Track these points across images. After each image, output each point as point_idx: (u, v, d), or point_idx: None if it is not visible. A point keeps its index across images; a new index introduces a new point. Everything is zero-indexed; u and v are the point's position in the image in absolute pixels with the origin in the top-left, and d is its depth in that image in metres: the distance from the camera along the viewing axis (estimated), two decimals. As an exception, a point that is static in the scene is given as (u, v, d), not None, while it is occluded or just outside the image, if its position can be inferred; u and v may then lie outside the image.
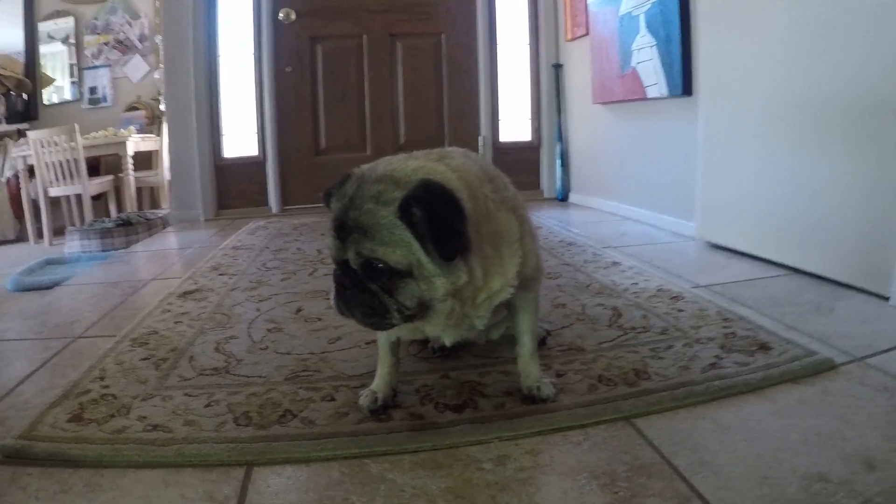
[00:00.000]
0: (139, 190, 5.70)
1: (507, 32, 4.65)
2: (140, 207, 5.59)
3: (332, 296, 1.08)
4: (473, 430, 1.13)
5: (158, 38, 6.15)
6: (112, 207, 5.57)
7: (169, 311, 1.95)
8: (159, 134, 5.85)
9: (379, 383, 1.25)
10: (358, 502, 0.96)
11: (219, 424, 1.18)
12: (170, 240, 3.59)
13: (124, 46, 6.41)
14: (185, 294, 2.14)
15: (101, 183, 5.41)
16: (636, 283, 2.10)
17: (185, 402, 1.29)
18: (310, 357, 1.51)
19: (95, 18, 6.38)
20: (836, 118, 2.08)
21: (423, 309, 1.05)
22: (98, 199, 5.51)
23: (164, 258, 3.01)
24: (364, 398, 1.23)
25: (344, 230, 1.02)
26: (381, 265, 1.00)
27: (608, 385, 1.30)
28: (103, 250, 3.92)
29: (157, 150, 5.81)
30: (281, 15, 4.23)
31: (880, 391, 1.28)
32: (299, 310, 1.91)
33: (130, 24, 6.41)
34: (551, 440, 1.12)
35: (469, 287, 1.06)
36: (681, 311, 1.80)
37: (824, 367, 1.37)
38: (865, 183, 1.97)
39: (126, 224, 4.08)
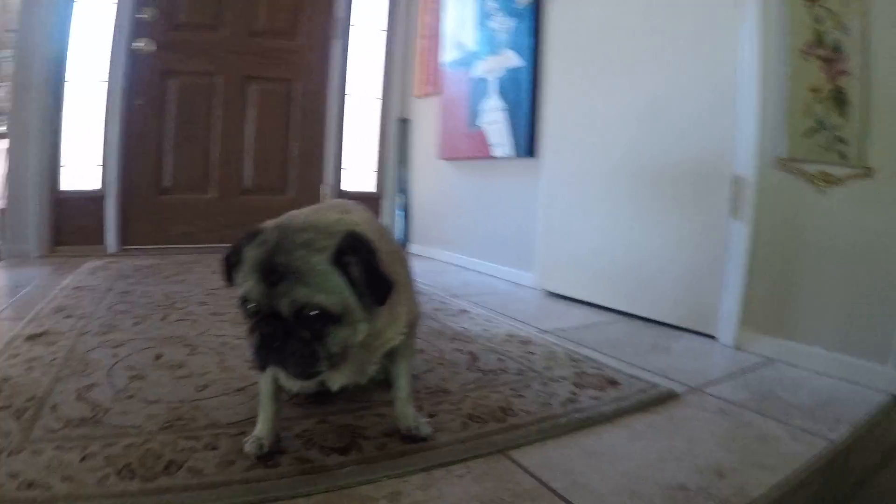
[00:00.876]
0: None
1: (358, 85, 4.79)
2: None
3: (251, 346, 1.06)
4: (362, 471, 1.19)
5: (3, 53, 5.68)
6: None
7: (17, 355, 1.82)
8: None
9: (263, 429, 1.26)
10: (259, 547, 0.97)
11: (100, 479, 1.12)
12: (2, 276, 3.31)
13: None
14: (33, 337, 2.00)
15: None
16: (487, 329, 2.25)
17: (57, 455, 1.21)
18: (180, 405, 1.47)
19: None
20: (666, 183, 2.40)
21: (342, 355, 1.10)
22: None
23: (0, 297, 2.79)
24: (249, 445, 1.23)
25: (273, 275, 1.03)
26: (314, 312, 1.03)
27: (479, 422, 1.42)
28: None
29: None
30: (141, 44, 4.07)
31: (718, 414, 1.56)
32: (159, 356, 1.85)
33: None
34: (436, 475, 1.20)
35: (374, 333, 1.14)
36: (532, 353, 1.97)
37: (668, 397, 1.64)
38: (692, 238, 2.30)
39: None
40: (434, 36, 4.35)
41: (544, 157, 3.11)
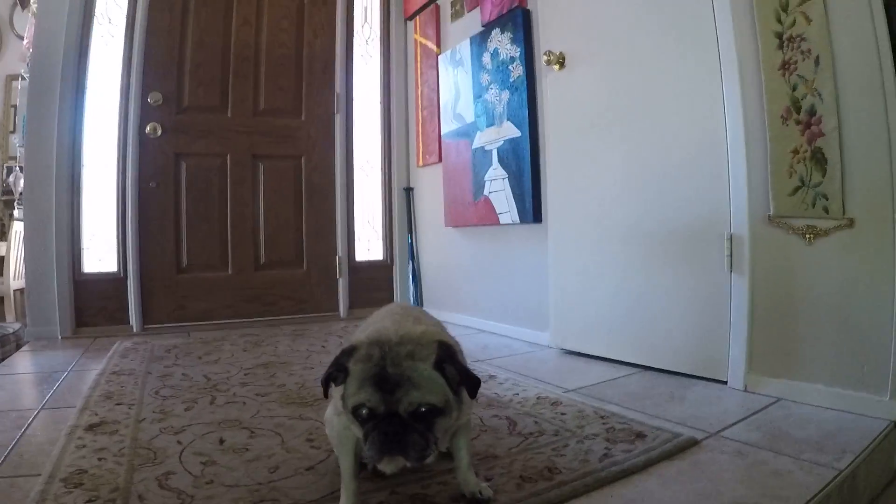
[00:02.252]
0: (-24, 298, 5.27)
1: (362, 157, 5.02)
2: (-22, 317, 5.17)
3: (370, 444, 1.24)
4: None
5: (14, 135, 5.86)
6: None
7: (84, 446, 1.93)
8: (3, 238, 5.47)
9: None
10: None
11: None
12: (34, 361, 3.42)
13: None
14: (92, 427, 2.12)
15: (-65, 287, 4.97)
16: (517, 394, 2.41)
17: None
18: (259, 488, 1.60)
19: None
20: (668, 243, 2.62)
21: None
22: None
23: (40, 383, 2.89)
24: None
25: (387, 383, 1.24)
26: (425, 409, 1.24)
27: (530, 482, 1.58)
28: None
29: (2, 257, 5.42)
30: (148, 129, 4.30)
31: (735, 455, 1.74)
32: (222, 441, 1.98)
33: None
34: (501, 533, 1.36)
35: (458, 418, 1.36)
36: (563, 414, 2.13)
37: (689, 445, 1.82)
38: (697, 292, 2.50)
39: (-26, 336, 3.82)
40: (432, 107, 4.59)
41: (550, 222, 3.30)
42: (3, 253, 5.38)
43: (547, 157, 3.34)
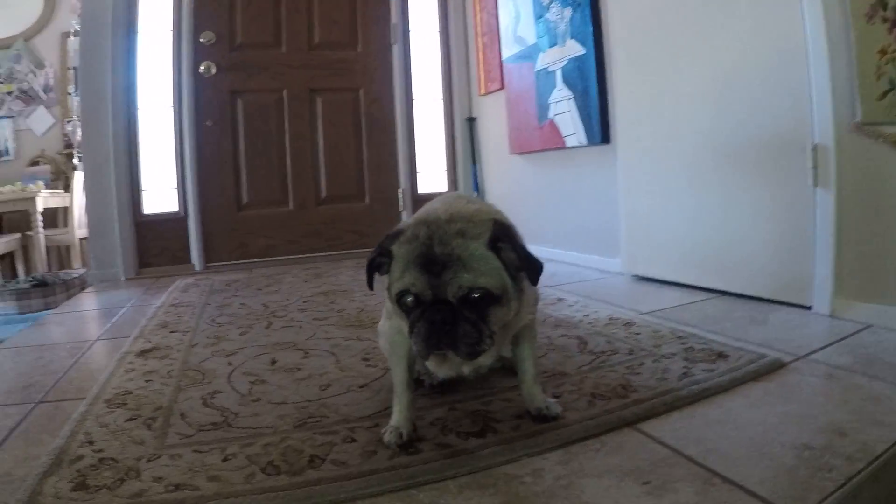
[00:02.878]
0: (48, 249, 5.40)
1: (422, 87, 4.83)
2: (49, 267, 5.32)
3: (416, 337, 1.10)
4: (502, 451, 1.20)
5: (71, 88, 5.93)
6: (20, 268, 5.27)
7: (133, 370, 1.89)
8: (67, 190, 5.60)
9: (399, 419, 1.29)
10: (424, 530, 0.99)
11: (247, 476, 1.15)
12: (96, 300, 3.45)
13: (28, 97, 6.11)
14: (144, 352, 2.08)
15: (7, 242, 5.11)
16: (587, 315, 2.25)
17: (198, 458, 1.24)
18: (308, 405, 1.51)
19: (-2, 66, 6.08)
20: (745, 157, 2.35)
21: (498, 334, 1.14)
22: (2, 259, 5.21)
23: (99, 318, 2.90)
24: (389, 435, 1.26)
25: (435, 265, 1.08)
26: (478, 294, 1.08)
27: (603, 400, 1.42)
28: (20, 312, 3.73)
29: (66, 207, 5.54)
30: (202, 68, 4.22)
31: (826, 378, 1.55)
32: (274, 361, 1.91)
33: (35, 74, 6.12)
34: (573, 451, 1.21)
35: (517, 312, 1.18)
36: (637, 334, 1.95)
37: (776, 366, 1.62)
38: (778, 210, 2.25)
39: (42, 285, 3.90)
40: (491, 33, 4.36)
41: (619, 143, 3.08)
42: (68, 204, 5.48)
43: (614, 73, 3.09)
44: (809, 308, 2.17)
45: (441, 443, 1.26)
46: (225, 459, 1.24)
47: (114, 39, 4.01)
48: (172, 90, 4.25)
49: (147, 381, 1.77)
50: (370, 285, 1.23)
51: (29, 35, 6.15)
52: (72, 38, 6.06)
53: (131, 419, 1.48)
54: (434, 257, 1.08)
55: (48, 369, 2.04)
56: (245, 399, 1.58)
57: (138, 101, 4.19)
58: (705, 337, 1.89)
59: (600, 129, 3.21)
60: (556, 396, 1.44)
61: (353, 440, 1.29)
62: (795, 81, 2.13)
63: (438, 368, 1.27)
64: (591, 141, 3.28)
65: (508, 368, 1.59)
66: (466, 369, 1.28)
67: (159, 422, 1.46)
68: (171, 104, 4.26)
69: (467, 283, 1.07)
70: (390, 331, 1.33)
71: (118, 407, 1.57)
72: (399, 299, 1.13)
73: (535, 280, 1.15)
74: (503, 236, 1.12)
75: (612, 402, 1.41)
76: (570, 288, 2.84)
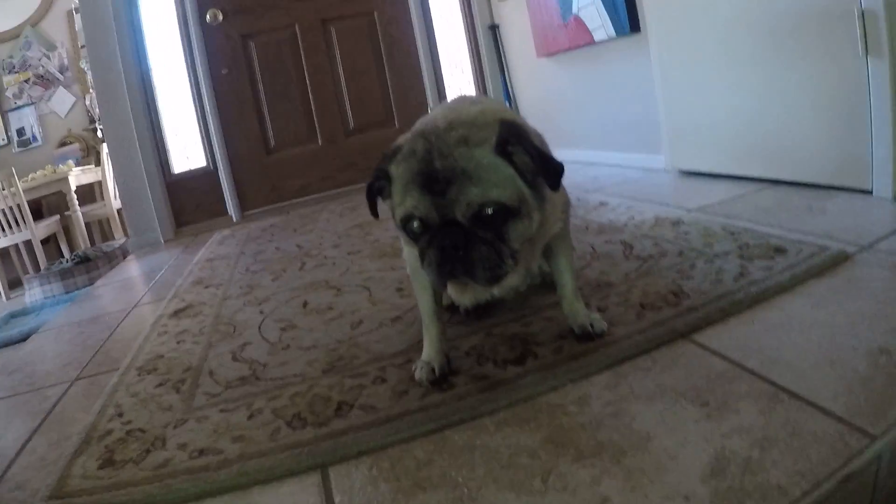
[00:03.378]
0: (88, 225, 5.46)
1: (439, 1, 4.58)
2: (92, 243, 5.38)
3: (428, 266, 0.99)
4: (544, 378, 1.09)
5: (83, 64, 5.88)
6: (64, 248, 5.35)
7: (166, 332, 1.85)
8: (98, 164, 5.61)
9: (430, 353, 1.19)
10: (459, 475, 0.90)
11: (272, 433, 1.09)
12: (135, 267, 3.45)
13: (46, 81, 6.12)
14: (177, 312, 2.04)
15: (48, 225, 5.18)
16: (632, 218, 2.10)
17: (223, 418, 1.19)
18: (338, 346, 1.43)
19: (10, 57, 6.06)
20: (787, 31, 2.12)
21: (521, 251, 1.01)
22: (47, 242, 5.28)
23: (137, 285, 2.89)
24: (420, 371, 1.16)
25: (437, 182, 0.94)
26: (491, 210, 0.94)
27: (653, 310, 1.29)
28: (67, 292, 3.76)
29: (100, 181, 5.57)
30: (208, 17, 4.08)
31: None
32: (305, 303, 1.84)
33: (48, 57, 6.11)
34: (622, 371, 1.09)
35: (541, 222, 1.04)
36: (687, 233, 1.80)
37: (840, 259, 1.43)
38: (827, 87, 2.02)
39: (85, 260, 3.92)
40: (506, -70, 4.07)
41: (650, 30, 2.84)
42: (101, 178, 5.48)
43: (640, -48, 2.83)
44: (870, 192, 1.95)
45: (477, 374, 1.16)
46: (251, 416, 1.18)
47: (115, 5, 3.88)
48: (182, 44, 4.13)
49: (179, 343, 1.74)
50: (374, 213, 1.11)
51: (35, 20, 6.11)
52: (77, 14, 5.97)
53: (161, 384, 1.44)
54: (435, 173, 0.95)
55: (86, 345, 2.03)
56: (275, 348, 1.52)
57: (150, 62, 4.08)
58: (760, 231, 1.72)
59: (628, 16, 2.97)
60: (601, 310, 1.32)
61: (384, 380, 1.21)
62: None
63: (461, 296, 1.16)
64: (620, 31, 3.04)
65: (549, 283, 1.47)
66: (497, 291, 1.16)
67: (188, 384, 1.41)
68: (183, 59, 4.14)
69: (477, 199, 0.93)
70: (409, 257, 1.21)
71: (149, 373, 1.53)
72: (404, 226, 1.01)
73: (555, 184, 0.99)
74: (512, 137, 0.97)
75: (662, 311, 1.28)
76: (612, 190, 2.68)
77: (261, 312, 1.84)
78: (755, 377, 1.00)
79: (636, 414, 0.95)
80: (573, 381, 1.08)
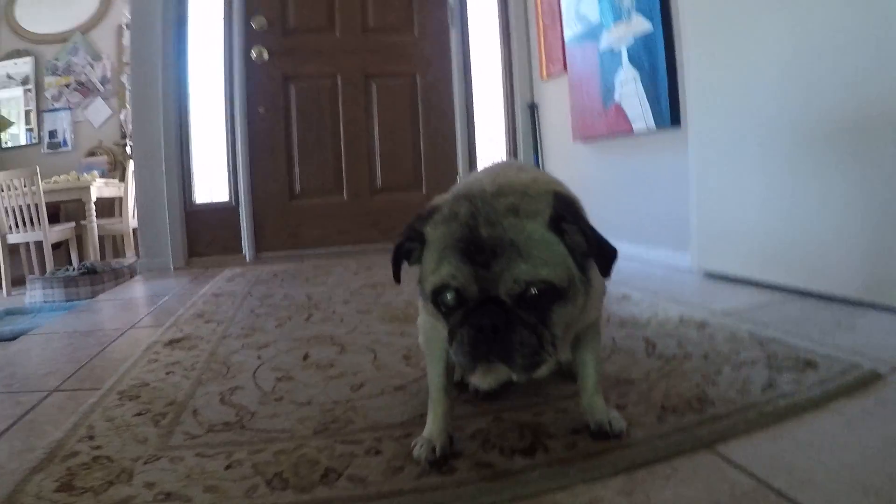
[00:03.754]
0: (101, 238, 5.46)
1: (481, 72, 4.63)
2: (103, 256, 5.36)
3: (459, 346, 0.88)
4: (553, 475, 1.00)
5: (125, 78, 5.99)
6: (73, 256, 5.34)
7: (156, 360, 1.78)
8: (122, 180, 5.64)
9: (433, 430, 1.09)
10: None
11: (248, 489, 0.99)
12: (140, 288, 3.40)
13: (86, 89, 6.23)
14: (172, 342, 1.97)
15: (62, 230, 5.18)
16: (656, 314, 2.02)
17: (199, 463, 1.10)
18: (335, 406, 1.35)
19: (56, 59, 6.19)
20: (832, 140, 2.08)
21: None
22: (58, 247, 5.29)
23: (138, 307, 2.83)
24: (419, 449, 1.06)
25: (482, 253, 0.85)
26: (538, 290, 0.86)
27: (676, 414, 1.20)
28: (67, 300, 3.73)
29: (120, 197, 5.59)
30: (253, 54, 4.14)
31: None
32: (307, 356, 1.76)
33: (92, 66, 6.23)
34: (638, 477, 1.00)
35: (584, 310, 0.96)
36: (712, 337, 1.72)
37: (871, 378, 1.35)
38: (869, 199, 1.97)
39: (91, 272, 3.89)
40: (553, 13, 4.11)
41: (690, 125, 2.81)
42: (123, 194, 5.51)
43: (685, 48, 2.82)
44: None
45: (481, 461, 1.06)
46: (228, 467, 1.09)
47: (164, 28, 3.97)
48: (224, 77, 4.19)
49: (168, 374, 1.66)
50: (396, 276, 1.03)
51: (86, 28, 6.25)
52: (126, 30, 6.12)
53: (140, 414, 1.37)
54: (480, 242, 0.86)
55: (73, 357, 1.95)
56: (267, 397, 1.43)
57: (189, 89, 4.14)
58: (789, 342, 1.63)
59: (669, 110, 2.95)
60: (619, 408, 1.23)
61: (378, 452, 1.11)
62: (887, 47, 1.85)
63: (483, 380, 1.07)
64: (660, 124, 3.03)
65: (566, 372, 1.39)
66: (516, 377, 1.08)
67: (168, 418, 1.33)
68: (223, 91, 4.20)
69: (525, 277, 0.85)
70: (426, 324, 1.12)
71: (131, 400, 1.46)
72: (435, 297, 0.91)
73: (607, 270, 0.92)
74: (568, 214, 0.90)
75: (685, 416, 1.19)
76: (635, 284, 2.61)
77: (258, 357, 1.76)
78: (783, 499, 0.91)
79: (654, 529, 0.85)
80: (585, 482, 0.98)
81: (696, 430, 1.12)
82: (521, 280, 0.84)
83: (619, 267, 2.51)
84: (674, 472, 1.01)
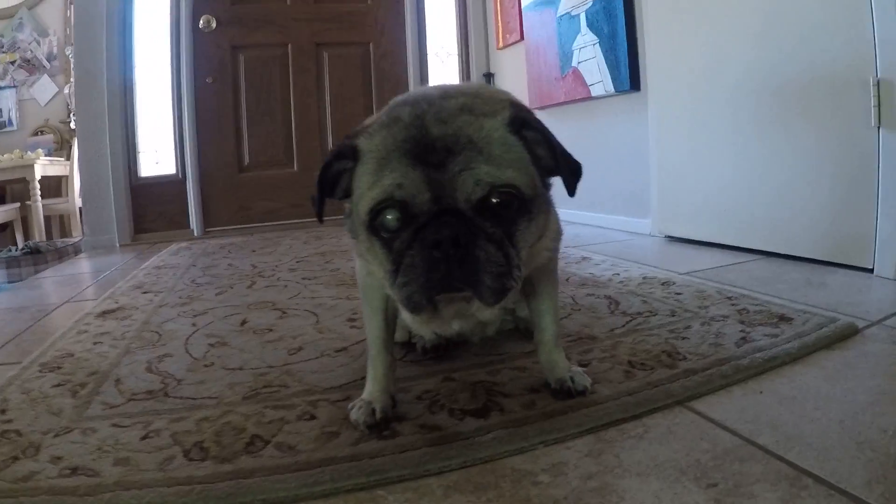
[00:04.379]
0: (48, 218, 5.19)
1: (436, 42, 4.49)
2: (49, 237, 5.12)
3: (409, 273, 0.73)
4: (510, 437, 0.87)
5: (69, 51, 5.71)
6: (19, 238, 5.09)
7: (86, 331, 1.63)
8: (69, 158, 5.38)
9: (373, 391, 0.96)
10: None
11: (163, 461, 0.87)
12: (82, 265, 3.20)
13: (32, 66, 5.90)
14: (105, 313, 1.81)
15: (6, 211, 4.92)
16: (617, 274, 1.92)
17: (113, 434, 0.97)
18: (269, 371, 1.22)
19: (1, 35, 5.86)
20: (794, 99, 2.04)
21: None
22: (3, 229, 5.03)
23: (77, 282, 2.64)
24: (357, 411, 0.93)
25: (434, 152, 0.70)
26: (501, 198, 0.71)
27: (644, 370, 1.09)
28: (10, 281, 3.51)
29: (66, 176, 5.33)
30: (202, 23, 3.92)
31: None
32: (244, 322, 1.62)
33: (39, 42, 5.90)
34: (606, 437, 0.88)
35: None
36: (679, 293, 1.64)
37: (850, 332, 1.29)
38: (831, 158, 1.92)
39: (35, 252, 3.66)
40: (511, -20, 4.00)
41: (650, 89, 2.73)
42: (68, 172, 5.27)
43: (646, 10, 2.72)
44: (871, 270, 1.82)
45: (427, 424, 0.93)
46: (145, 437, 0.96)
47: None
48: (170, 46, 3.96)
49: (95, 344, 1.52)
50: (319, 212, 0.85)
51: (32, 3, 5.93)
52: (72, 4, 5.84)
53: (59, 385, 1.23)
54: (431, 140, 0.72)
55: (1, 332, 1.79)
56: (196, 364, 1.30)
57: (135, 59, 3.92)
58: (759, 298, 1.56)
59: (629, 74, 2.86)
60: (583, 365, 1.12)
61: (313, 417, 0.99)
62: (854, 6, 1.77)
63: (426, 325, 0.92)
64: (619, 88, 2.93)
65: (524, 331, 1.27)
66: (457, 325, 0.94)
67: (88, 389, 1.20)
68: (169, 61, 3.97)
69: (489, 178, 0.71)
70: (362, 270, 0.98)
71: (51, 371, 1.32)
72: (374, 219, 0.75)
73: (573, 185, 0.80)
74: (529, 119, 0.77)
75: (655, 372, 1.08)
76: (595, 248, 2.52)
77: (193, 325, 1.62)
78: (771, 456, 0.81)
79: (625, 492, 0.74)
80: (546, 444, 0.86)
81: (668, 386, 1.02)
82: (483, 182, 0.71)
83: (578, 232, 2.43)
84: (646, 431, 0.90)
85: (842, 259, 1.92)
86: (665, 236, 2.68)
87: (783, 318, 1.36)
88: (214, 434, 0.94)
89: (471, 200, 0.71)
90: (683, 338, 1.26)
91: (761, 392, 1.03)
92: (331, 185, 0.83)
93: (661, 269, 2.00)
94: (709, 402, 0.99)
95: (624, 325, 1.37)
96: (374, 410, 0.93)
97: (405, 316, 0.91)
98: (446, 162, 0.70)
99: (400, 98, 0.83)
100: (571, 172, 0.79)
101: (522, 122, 0.75)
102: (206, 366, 1.27)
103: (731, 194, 2.30)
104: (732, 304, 1.50)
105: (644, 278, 1.84)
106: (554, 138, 0.79)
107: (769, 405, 0.97)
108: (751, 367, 1.10)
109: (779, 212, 2.10)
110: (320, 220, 0.86)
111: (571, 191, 0.80)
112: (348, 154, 0.80)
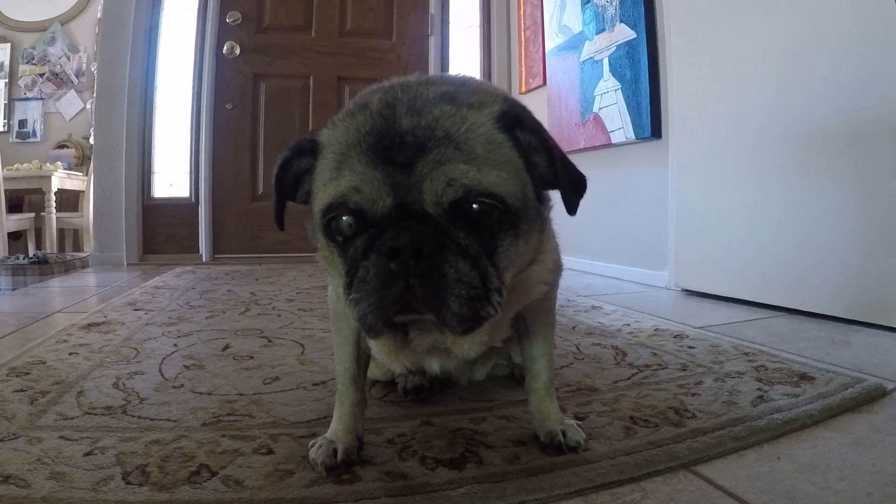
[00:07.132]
0: (62, 231, 5.21)
1: (458, 83, 4.47)
2: (62, 250, 5.11)
3: (361, 289, 0.61)
4: (484, 494, 0.76)
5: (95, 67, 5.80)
6: (31, 248, 5.09)
7: (66, 341, 1.57)
8: (87, 174, 5.41)
9: (338, 429, 0.86)
10: None
11: (100, 481, 0.79)
12: (85, 279, 3.17)
13: (60, 80, 5.98)
14: (90, 326, 1.76)
15: (19, 220, 4.92)
16: (627, 325, 1.82)
17: (57, 446, 0.90)
18: (238, 399, 1.13)
19: (33, 48, 5.95)
20: (819, 150, 1.96)
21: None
22: (17, 238, 5.03)
23: (75, 294, 2.59)
24: (317, 450, 0.83)
25: (401, 148, 0.59)
26: (480, 206, 0.60)
27: (648, 427, 0.98)
28: (13, 288, 3.47)
29: (83, 191, 5.35)
30: (225, 49, 3.94)
31: None
32: (226, 347, 1.53)
33: (69, 58, 6.00)
34: (597, 502, 0.77)
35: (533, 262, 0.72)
36: (692, 347, 1.52)
37: (878, 394, 1.18)
38: (858, 213, 1.83)
39: (41, 262, 3.62)
40: (535, 26, 3.99)
41: (672, 136, 2.65)
42: (84, 188, 5.29)
43: (669, 57, 2.67)
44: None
45: (393, 471, 0.83)
46: (89, 453, 0.88)
47: (136, 17, 3.78)
48: (193, 70, 3.98)
49: (70, 354, 1.46)
50: (279, 215, 0.76)
51: (65, 19, 6.05)
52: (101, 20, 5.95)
53: (20, 390, 1.18)
54: (399, 134, 0.61)
55: (-17, 336, 1.74)
56: (165, 384, 1.21)
57: (157, 81, 3.94)
58: (779, 355, 1.45)
59: (651, 120, 2.79)
60: (579, 418, 1.00)
61: (270, 451, 0.89)
62: (883, 52, 1.69)
63: (393, 356, 0.78)
64: (640, 135, 2.86)
65: (519, 377, 1.16)
66: (437, 364, 0.84)
67: (48, 397, 1.14)
68: (191, 85, 3.99)
69: (465, 179, 0.59)
70: (332, 294, 0.89)
71: (18, 376, 1.28)
72: (330, 219, 0.65)
73: (574, 201, 0.68)
74: (526, 118, 0.66)
75: (660, 430, 0.97)
76: (607, 298, 2.41)
77: (175, 345, 1.54)
78: (786, 537, 0.69)
79: (614, 568, 0.63)
80: None
81: (672, 446, 0.91)
82: (458, 183, 0.59)
83: (591, 282, 2.33)
84: (643, 497, 0.79)
85: (867, 318, 1.81)
86: (682, 289, 2.57)
87: (804, 377, 1.25)
88: (161, 459, 0.86)
89: (441, 203, 0.60)
90: (694, 394, 1.15)
91: (778, 458, 0.91)
92: (291, 185, 0.74)
93: (674, 322, 1.89)
94: (718, 466, 0.88)
95: (629, 378, 1.26)
96: (335, 451, 0.82)
97: (370, 343, 0.80)
98: (415, 161, 0.60)
99: (376, 84, 0.73)
100: (573, 186, 0.68)
101: (515, 120, 0.65)
102: (174, 387, 1.19)
103: (751, 247, 2.20)
104: (749, 361, 1.38)
105: (656, 330, 1.73)
106: (553, 143, 0.68)
107: (787, 473, 0.86)
108: (767, 429, 0.99)
109: (801, 266, 2.00)
110: (280, 227, 0.76)
111: (572, 209, 0.69)
112: (307, 149, 0.70)
